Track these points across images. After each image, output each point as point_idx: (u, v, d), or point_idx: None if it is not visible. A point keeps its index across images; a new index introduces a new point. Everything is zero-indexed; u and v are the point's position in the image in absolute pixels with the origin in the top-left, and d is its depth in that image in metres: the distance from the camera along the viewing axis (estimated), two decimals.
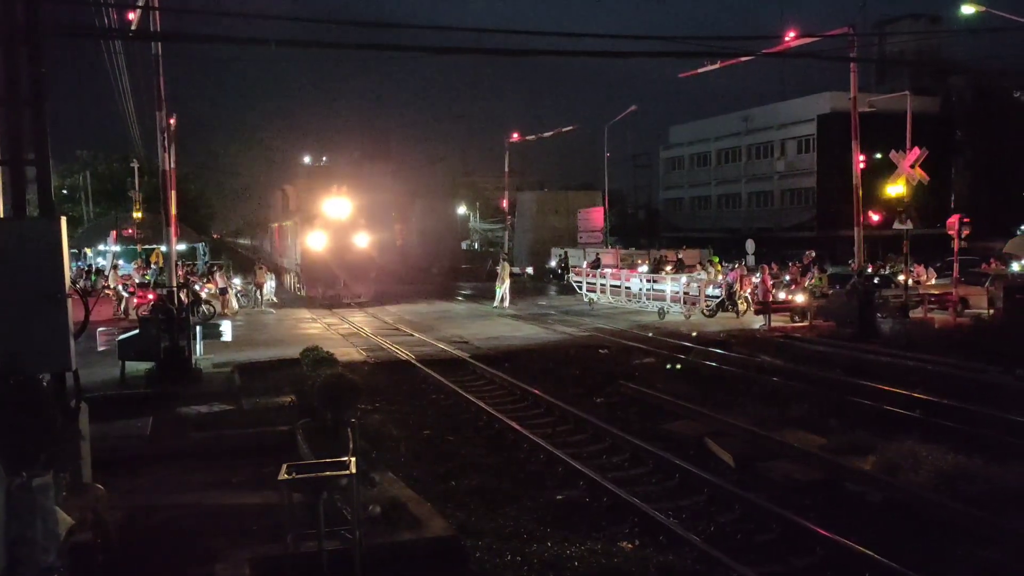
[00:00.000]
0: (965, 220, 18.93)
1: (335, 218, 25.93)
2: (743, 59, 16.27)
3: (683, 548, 6.04)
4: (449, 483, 7.80)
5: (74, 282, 16.98)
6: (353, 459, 5.31)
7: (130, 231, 28.06)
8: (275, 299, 27.59)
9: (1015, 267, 23.68)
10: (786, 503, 6.91)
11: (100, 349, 13.33)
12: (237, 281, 29.59)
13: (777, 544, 6.23)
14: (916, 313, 18.84)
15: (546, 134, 41.90)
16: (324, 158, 69.53)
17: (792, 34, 16.30)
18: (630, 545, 6.18)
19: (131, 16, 12.41)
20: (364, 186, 30.93)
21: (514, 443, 9.31)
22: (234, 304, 22.80)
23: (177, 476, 7.41)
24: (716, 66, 18.22)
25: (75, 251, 30.09)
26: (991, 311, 17.88)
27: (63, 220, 5.82)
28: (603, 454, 8.82)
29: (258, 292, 26.68)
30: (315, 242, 25.69)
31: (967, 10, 18.71)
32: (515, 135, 40.16)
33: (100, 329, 13.60)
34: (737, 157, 53.13)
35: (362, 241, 25.92)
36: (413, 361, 14.58)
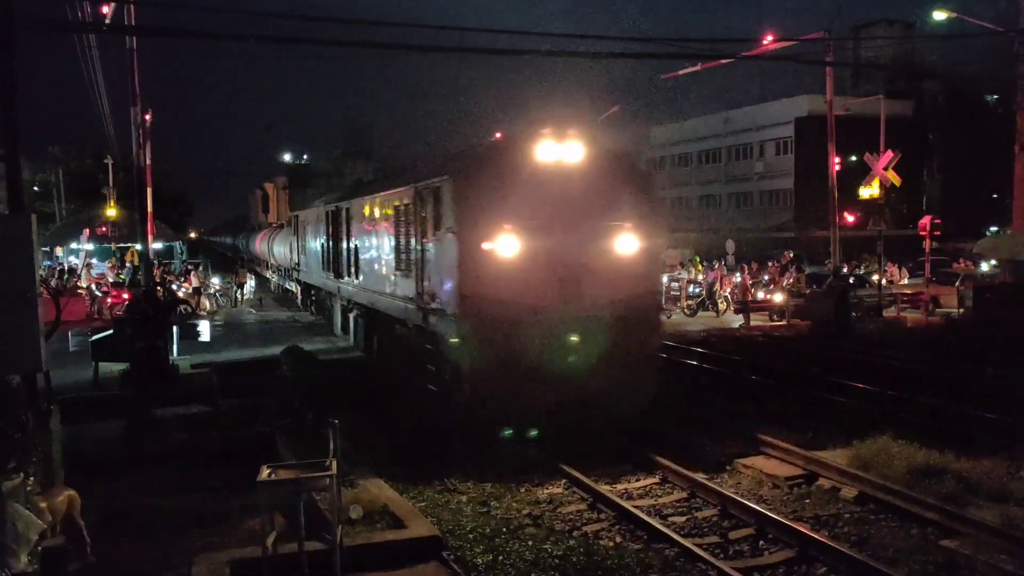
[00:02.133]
0: (937, 221, 19.39)
1: (569, 192, 8.97)
2: (723, 61, 16.49)
3: (662, 544, 6.11)
4: (432, 482, 7.78)
5: (45, 281, 16.67)
6: (334, 460, 5.27)
7: (104, 229, 27.43)
8: (256, 298, 27.26)
9: (984, 267, 24.27)
10: (763, 499, 7.01)
11: (72, 350, 13.08)
12: (216, 281, 29.22)
13: (754, 539, 6.32)
14: (889, 312, 19.23)
15: None
16: (305, 156, 68.70)
17: (770, 38, 16.56)
18: (611, 543, 6.23)
19: (105, 10, 12.18)
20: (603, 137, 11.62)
21: (496, 441, 9.30)
22: (206, 304, 22.45)
23: (153, 479, 7.29)
24: (697, 68, 18.43)
25: (47, 249, 29.38)
26: (961, 310, 18.30)
27: (34, 217, 5.69)
28: (586, 452, 8.84)
29: (238, 291, 26.39)
30: (508, 251, 8.72)
31: (939, 16, 19.17)
32: (498, 135, 40.14)
33: (72, 330, 13.34)
34: (717, 158, 53.66)
35: (629, 247, 9.23)
36: None
